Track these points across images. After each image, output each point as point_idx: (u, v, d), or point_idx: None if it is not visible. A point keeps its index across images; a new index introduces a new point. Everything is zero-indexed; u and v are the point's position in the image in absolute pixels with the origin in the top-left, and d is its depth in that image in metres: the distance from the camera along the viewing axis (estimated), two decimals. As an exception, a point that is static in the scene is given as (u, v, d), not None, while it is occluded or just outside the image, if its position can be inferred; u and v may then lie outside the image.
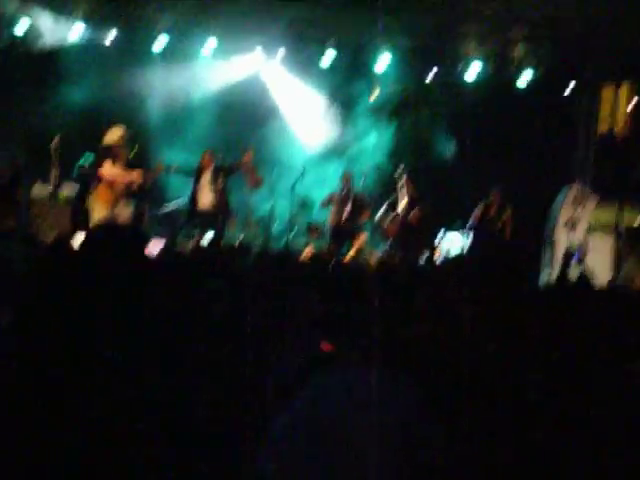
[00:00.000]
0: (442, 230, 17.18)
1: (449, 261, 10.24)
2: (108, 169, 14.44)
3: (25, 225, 14.97)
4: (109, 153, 14.53)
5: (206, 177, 15.95)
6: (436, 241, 17.11)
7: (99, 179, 14.45)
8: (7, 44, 17.44)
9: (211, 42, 18.39)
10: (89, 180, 15.31)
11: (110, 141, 14.59)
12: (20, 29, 17.46)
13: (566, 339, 5.06)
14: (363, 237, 16.28)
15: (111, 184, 14.58)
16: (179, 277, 6.11)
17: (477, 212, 16.55)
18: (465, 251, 16.40)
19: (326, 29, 18.31)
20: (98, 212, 14.53)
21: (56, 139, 14.97)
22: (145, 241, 4.88)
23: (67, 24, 17.76)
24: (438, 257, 16.14)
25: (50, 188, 15.26)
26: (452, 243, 17.24)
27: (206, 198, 15.92)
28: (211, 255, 8.63)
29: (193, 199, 16.04)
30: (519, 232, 16.51)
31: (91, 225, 14.42)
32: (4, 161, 15.67)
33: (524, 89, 18.33)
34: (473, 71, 18.26)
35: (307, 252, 15.34)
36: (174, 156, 16.51)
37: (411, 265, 9.83)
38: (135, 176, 14.82)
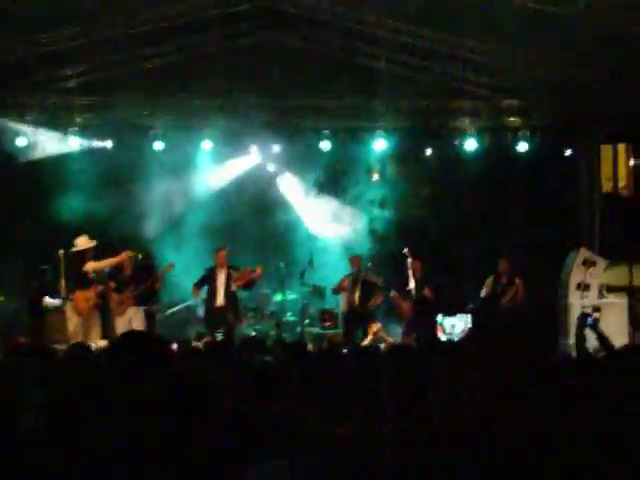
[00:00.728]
0: (440, 315, 16.96)
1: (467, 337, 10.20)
2: (91, 265, 14.55)
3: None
4: (85, 255, 14.64)
5: (221, 277, 15.88)
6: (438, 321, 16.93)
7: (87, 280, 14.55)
8: (8, 156, 17.70)
9: (206, 144, 18.49)
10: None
11: (82, 246, 14.68)
12: (20, 142, 17.77)
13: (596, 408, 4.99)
14: (378, 325, 16.16)
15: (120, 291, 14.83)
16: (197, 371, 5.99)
17: (488, 284, 16.46)
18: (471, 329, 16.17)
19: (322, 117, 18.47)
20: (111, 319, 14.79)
21: (61, 250, 15.02)
22: (166, 347, 4.91)
23: (64, 137, 18.06)
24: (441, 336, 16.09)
25: (60, 299, 15.24)
26: (455, 324, 17.16)
27: (220, 297, 15.86)
28: (226, 348, 8.56)
29: (210, 297, 15.94)
30: (531, 299, 16.40)
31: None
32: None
33: (523, 155, 18.31)
34: (471, 144, 18.30)
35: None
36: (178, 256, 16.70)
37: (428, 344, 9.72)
38: (123, 256, 14.94)
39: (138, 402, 4.00)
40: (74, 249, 14.69)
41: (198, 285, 16.03)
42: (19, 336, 13.79)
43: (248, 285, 16.22)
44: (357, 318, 16.46)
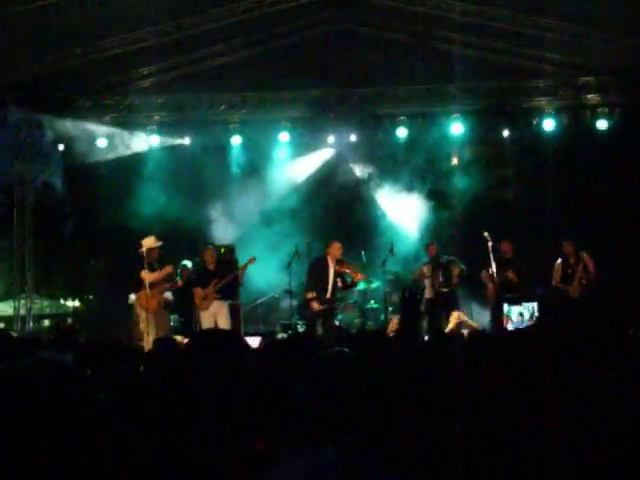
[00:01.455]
0: (505, 304, 16.55)
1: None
2: (144, 274, 14.81)
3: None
4: (151, 254, 14.91)
5: (331, 270, 15.78)
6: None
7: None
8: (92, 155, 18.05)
9: (283, 136, 18.58)
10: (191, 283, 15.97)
11: (148, 245, 14.89)
12: (100, 143, 18.13)
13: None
14: (459, 313, 16.05)
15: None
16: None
17: (557, 268, 16.19)
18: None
19: (396, 103, 18.41)
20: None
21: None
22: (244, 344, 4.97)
23: (143, 135, 18.34)
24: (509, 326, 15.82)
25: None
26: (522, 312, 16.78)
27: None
28: (309, 339, 8.59)
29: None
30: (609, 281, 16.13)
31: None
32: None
33: (603, 133, 17.98)
34: (549, 124, 18.05)
35: (393, 324, 15.28)
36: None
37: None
38: (167, 269, 15.13)
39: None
40: (140, 249, 14.90)
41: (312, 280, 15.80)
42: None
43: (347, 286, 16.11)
44: (440, 304, 16.45)
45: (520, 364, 5.83)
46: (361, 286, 17.36)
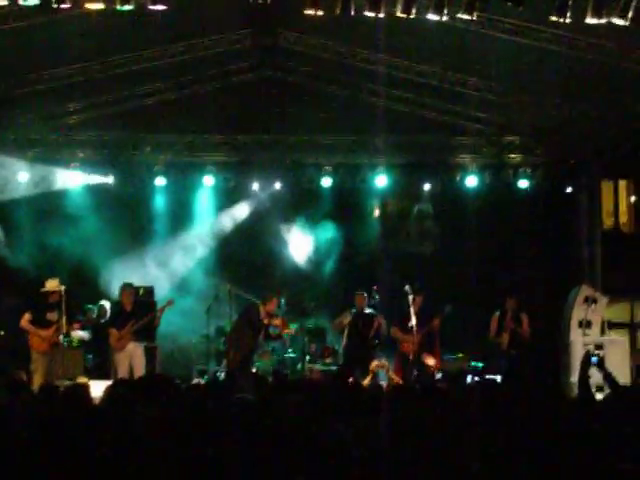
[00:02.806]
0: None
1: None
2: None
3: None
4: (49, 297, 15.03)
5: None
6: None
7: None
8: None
9: (207, 179, 18.50)
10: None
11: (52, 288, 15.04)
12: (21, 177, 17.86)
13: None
14: (378, 363, 16.04)
15: None
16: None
17: (494, 322, 16.33)
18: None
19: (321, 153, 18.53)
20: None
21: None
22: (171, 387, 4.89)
23: (66, 172, 18.12)
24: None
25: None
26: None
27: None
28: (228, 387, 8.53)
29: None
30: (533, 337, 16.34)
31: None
32: None
33: (524, 192, 18.29)
34: (471, 180, 18.29)
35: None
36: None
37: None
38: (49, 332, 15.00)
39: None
40: (43, 289, 15.03)
41: None
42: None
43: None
44: (358, 355, 16.42)
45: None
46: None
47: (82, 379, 13.97)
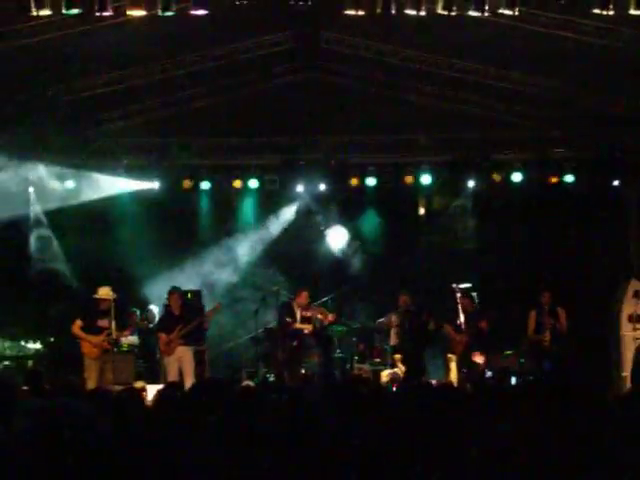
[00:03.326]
0: None
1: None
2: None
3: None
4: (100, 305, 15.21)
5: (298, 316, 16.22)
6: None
7: None
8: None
9: (252, 182, 18.53)
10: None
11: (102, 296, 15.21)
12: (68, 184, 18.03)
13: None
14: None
15: None
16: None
17: (531, 320, 16.25)
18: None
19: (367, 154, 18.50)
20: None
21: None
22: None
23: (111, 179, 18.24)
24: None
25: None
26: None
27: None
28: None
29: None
30: (581, 332, 16.23)
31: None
32: None
33: (570, 187, 18.06)
34: (516, 177, 18.11)
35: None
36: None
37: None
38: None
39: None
40: (95, 296, 15.22)
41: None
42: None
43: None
44: (405, 354, 16.44)
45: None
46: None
47: (139, 383, 14.30)
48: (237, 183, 18.45)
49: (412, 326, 16.55)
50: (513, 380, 15.38)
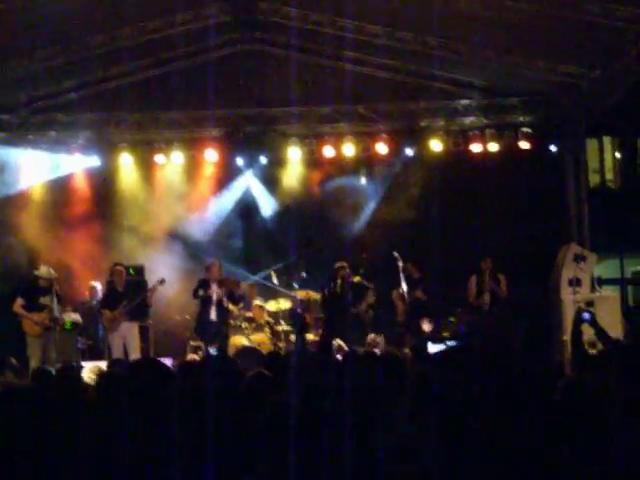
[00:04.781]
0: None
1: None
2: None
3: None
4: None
5: (214, 289, 15.97)
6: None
7: None
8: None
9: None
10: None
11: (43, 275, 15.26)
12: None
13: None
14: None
15: None
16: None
17: (471, 285, 16.43)
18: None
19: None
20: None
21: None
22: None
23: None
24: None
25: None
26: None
27: (213, 311, 15.92)
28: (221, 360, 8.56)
29: (204, 311, 15.99)
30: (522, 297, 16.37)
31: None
32: None
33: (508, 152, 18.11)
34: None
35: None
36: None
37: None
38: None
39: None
40: (35, 272, 15.28)
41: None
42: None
43: (233, 298, 16.30)
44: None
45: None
46: (272, 307, 17.33)
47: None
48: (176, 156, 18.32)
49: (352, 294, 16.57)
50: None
